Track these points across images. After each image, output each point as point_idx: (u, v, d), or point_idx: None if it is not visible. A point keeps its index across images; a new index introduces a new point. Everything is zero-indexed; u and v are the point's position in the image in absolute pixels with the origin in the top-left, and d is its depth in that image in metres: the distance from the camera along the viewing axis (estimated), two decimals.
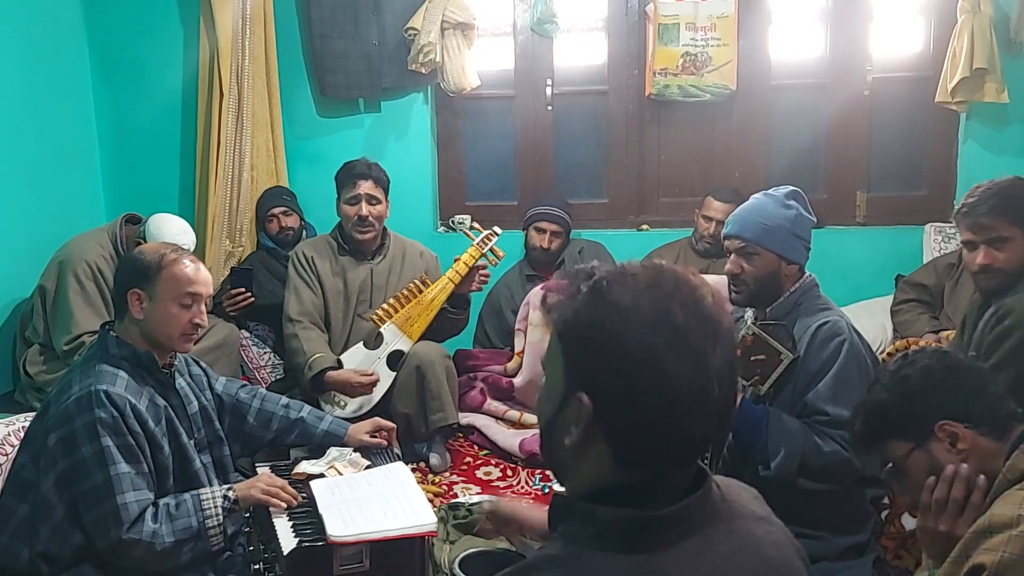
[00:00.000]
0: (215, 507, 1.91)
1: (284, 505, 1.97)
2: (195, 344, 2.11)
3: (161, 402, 1.98)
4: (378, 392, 3.06)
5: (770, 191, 2.17)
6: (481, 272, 3.18)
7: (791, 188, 2.17)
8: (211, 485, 2.05)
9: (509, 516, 1.39)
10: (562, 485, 0.98)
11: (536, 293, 3.44)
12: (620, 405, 0.87)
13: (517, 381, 3.44)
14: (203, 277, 2.03)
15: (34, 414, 2.07)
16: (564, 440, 0.92)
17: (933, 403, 1.46)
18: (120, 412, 1.84)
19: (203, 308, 2.03)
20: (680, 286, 0.90)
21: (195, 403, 2.11)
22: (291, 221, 3.69)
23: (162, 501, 1.89)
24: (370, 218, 3.16)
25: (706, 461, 2.18)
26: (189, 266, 2.00)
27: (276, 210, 3.68)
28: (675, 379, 0.85)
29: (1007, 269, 2.07)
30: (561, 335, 0.92)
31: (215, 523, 1.90)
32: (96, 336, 2.04)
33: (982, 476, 1.41)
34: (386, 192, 3.23)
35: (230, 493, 1.95)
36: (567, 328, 0.91)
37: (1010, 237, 2.06)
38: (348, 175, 3.19)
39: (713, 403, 0.87)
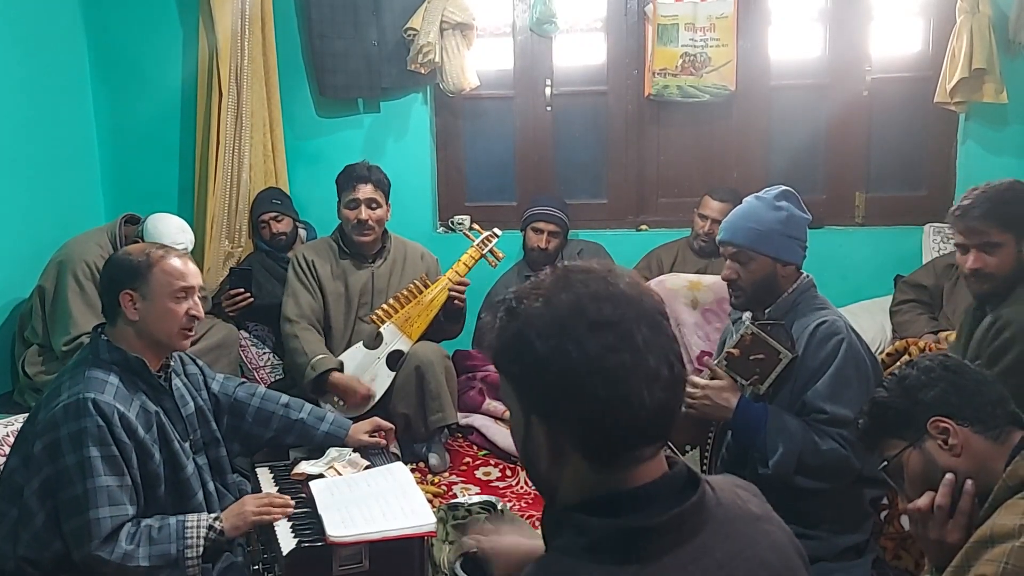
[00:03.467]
0: (197, 537, 1.86)
1: (281, 516, 1.95)
2: (193, 344, 2.10)
3: (152, 408, 1.95)
4: (377, 392, 3.06)
5: (761, 193, 2.17)
6: (456, 289, 3.13)
7: (782, 188, 2.16)
8: (204, 489, 2.03)
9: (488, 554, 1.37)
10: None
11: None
12: (566, 407, 0.88)
13: None
14: (192, 269, 2.03)
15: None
16: (540, 465, 0.93)
17: (927, 399, 1.46)
18: (107, 421, 1.82)
19: (197, 300, 2.03)
20: (590, 279, 0.90)
21: (191, 404, 2.09)
22: (282, 226, 3.68)
23: (145, 522, 1.86)
24: (370, 222, 3.15)
25: (705, 459, 2.18)
26: (177, 260, 2.00)
27: (266, 216, 3.68)
28: (604, 362, 0.85)
29: (998, 274, 2.06)
30: (497, 364, 0.93)
31: (194, 553, 1.85)
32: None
33: (969, 481, 1.41)
34: (386, 195, 3.23)
35: (216, 524, 1.90)
36: (497, 355, 0.93)
37: (1001, 243, 2.04)
38: (348, 179, 3.19)
39: (654, 372, 0.87)
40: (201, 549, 1.86)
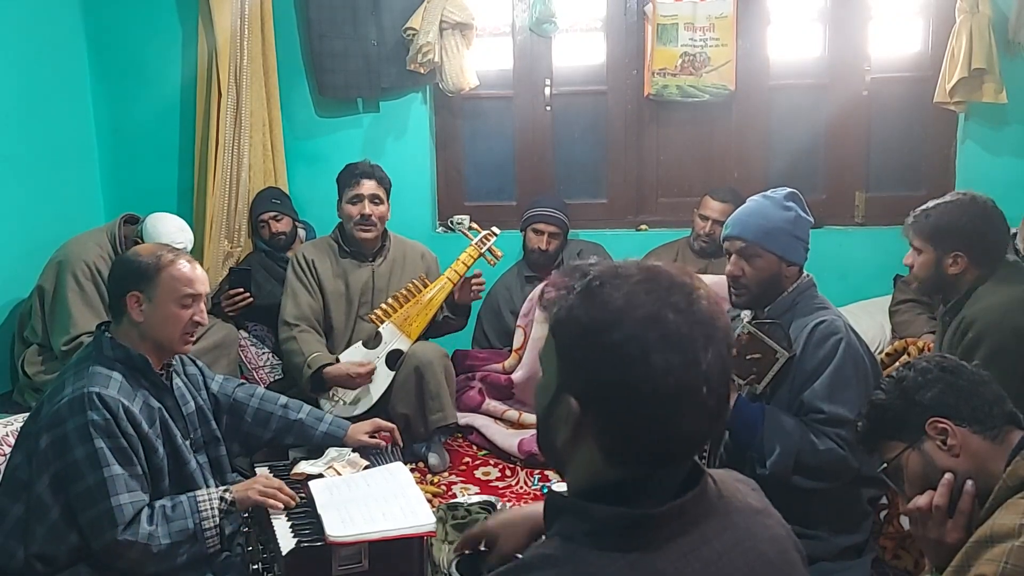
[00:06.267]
0: (211, 508, 1.90)
1: (282, 506, 1.96)
2: (194, 344, 2.10)
3: (155, 404, 1.97)
4: (377, 392, 3.07)
5: (768, 193, 2.18)
6: (475, 282, 3.17)
7: (789, 190, 2.17)
8: (207, 486, 2.04)
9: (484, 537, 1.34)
10: (561, 477, 0.99)
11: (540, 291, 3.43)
12: (608, 405, 0.88)
13: (516, 376, 3.44)
14: (200, 276, 2.03)
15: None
16: (556, 438, 0.93)
17: (925, 400, 1.47)
18: (113, 414, 1.84)
19: (202, 307, 2.03)
20: (674, 287, 0.89)
21: (191, 403, 2.11)
22: (282, 226, 3.68)
23: (158, 503, 1.89)
24: (372, 217, 3.16)
25: (704, 458, 2.18)
26: (186, 266, 2.00)
27: (266, 216, 3.68)
28: (663, 380, 0.85)
29: (919, 277, 2.30)
30: (554, 332, 0.93)
31: (211, 524, 1.89)
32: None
33: (970, 481, 1.41)
34: (388, 193, 3.23)
35: (227, 495, 1.94)
36: (560, 326, 0.92)
37: (920, 249, 2.26)
38: (351, 175, 3.19)
39: (703, 401, 0.87)
40: (217, 520, 1.90)
